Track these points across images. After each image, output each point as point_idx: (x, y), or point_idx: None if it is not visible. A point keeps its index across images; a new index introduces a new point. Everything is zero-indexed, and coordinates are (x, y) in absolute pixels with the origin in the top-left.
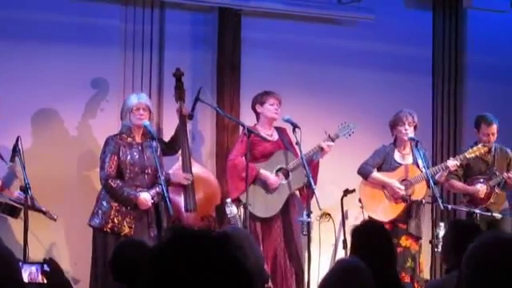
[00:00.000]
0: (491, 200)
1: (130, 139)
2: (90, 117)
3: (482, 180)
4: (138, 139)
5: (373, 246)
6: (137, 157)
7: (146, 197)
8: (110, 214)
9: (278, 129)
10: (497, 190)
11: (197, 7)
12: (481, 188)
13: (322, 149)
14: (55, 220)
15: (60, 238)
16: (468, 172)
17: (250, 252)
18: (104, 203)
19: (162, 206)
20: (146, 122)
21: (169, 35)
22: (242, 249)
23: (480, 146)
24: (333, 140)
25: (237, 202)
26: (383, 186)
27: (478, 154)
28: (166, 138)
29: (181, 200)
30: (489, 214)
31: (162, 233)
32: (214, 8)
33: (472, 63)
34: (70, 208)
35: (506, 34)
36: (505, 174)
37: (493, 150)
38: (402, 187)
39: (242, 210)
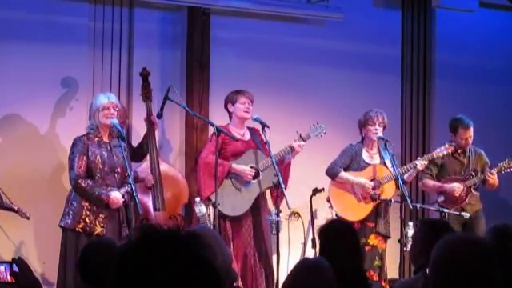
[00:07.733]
0: (467, 201)
1: (97, 139)
2: (59, 116)
3: (458, 180)
4: (106, 139)
5: (340, 244)
6: (106, 156)
7: (117, 196)
8: (81, 213)
9: (250, 129)
10: (473, 191)
11: (166, 6)
12: (457, 186)
13: (293, 149)
14: (28, 218)
15: (29, 237)
16: (442, 172)
17: (218, 251)
18: (74, 203)
19: (132, 205)
20: (115, 121)
21: (138, 34)
22: (210, 248)
23: (447, 145)
24: (304, 140)
25: (207, 200)
26: (352, 185)
27: (445, 153)
28: (135, 137)
29: (149, 199)
30: (457, 213)
31: (131, 232)
32: (183, 7)
33: (441, 62)
34: (39, 207)
35: (475, 34)
36: (487, 173)
37: (467, 151)
38: (371, 183)
39: (211, 208)
